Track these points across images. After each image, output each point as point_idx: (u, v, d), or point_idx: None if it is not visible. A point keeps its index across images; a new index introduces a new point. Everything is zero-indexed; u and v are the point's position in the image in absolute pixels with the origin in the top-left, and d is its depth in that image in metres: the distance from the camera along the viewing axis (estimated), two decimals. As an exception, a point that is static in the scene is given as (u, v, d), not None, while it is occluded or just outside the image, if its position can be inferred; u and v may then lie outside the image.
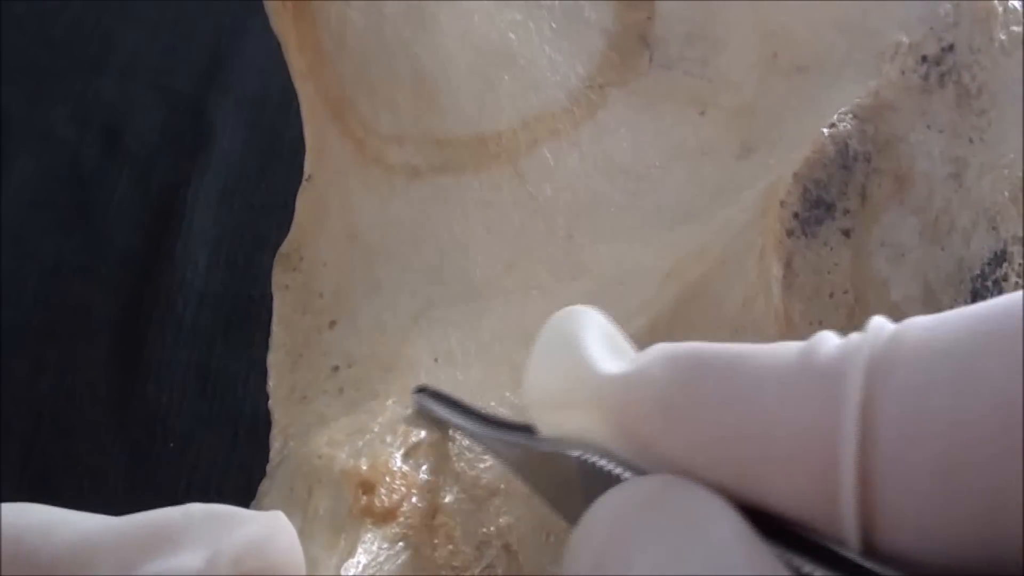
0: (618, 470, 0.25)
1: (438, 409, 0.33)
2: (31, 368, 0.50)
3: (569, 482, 0.26)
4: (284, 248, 0.39)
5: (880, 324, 0.23)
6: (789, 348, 0.24)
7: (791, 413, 0.22)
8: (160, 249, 0.53)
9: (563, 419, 0.27)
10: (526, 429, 0.29)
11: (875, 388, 0.22)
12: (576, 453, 0.25)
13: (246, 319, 0.48)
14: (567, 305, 0.35)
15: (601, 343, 0.27)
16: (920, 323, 0.23)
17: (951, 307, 0.34)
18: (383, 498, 0.31)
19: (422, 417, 0.34)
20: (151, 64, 0.57)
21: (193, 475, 0.47)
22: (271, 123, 0.55)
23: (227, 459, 0.47)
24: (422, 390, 0.34)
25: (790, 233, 0.33)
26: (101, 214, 0.53)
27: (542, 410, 0.28)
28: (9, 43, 0.56)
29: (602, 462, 0.25)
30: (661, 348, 0.25)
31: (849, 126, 0.34)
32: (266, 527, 0.26)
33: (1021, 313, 0.22)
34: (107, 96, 0.56)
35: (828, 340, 0.23)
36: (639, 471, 0.25)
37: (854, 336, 0.23)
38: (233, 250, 0.53)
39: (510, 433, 0.29)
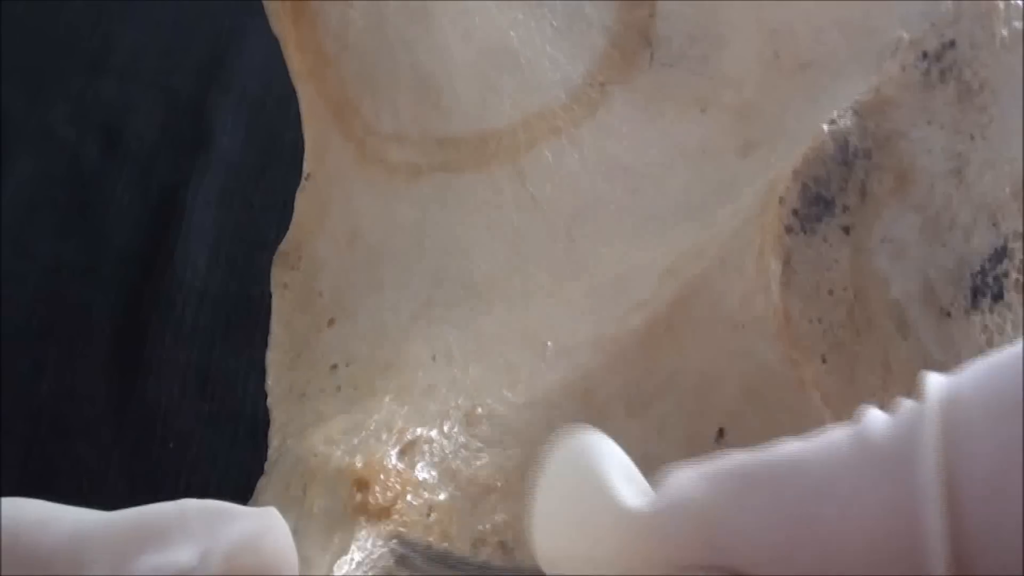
0: None
1: (421, 564, 0.30)
2: (31, 368, 0.50)
3: None
4: (283, 247, 0.39)
5: (934, 388, 0.22)
6: (837, 438, 0.23)
7: (865, 504, 0.22)
8: (160, 249, 0.53)
9: (588, 567, 0.25)
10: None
11: (954, 459, 0.21)
12: None
13: (246, 319, 0.48)
14: (566, 305, 0.36)
15: (622, 478, 0.25)
16: (972, 377, 0.22)
17: (951, 304, 0.34)
18: (378, 496, 0.30)
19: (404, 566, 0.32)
20: (151, 64, 0.57)
21: (193, 475, 0.47)
22: (271, 123, 0.55)
23: (227, 459, 0.47)
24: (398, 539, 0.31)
25: (789, 230, 0.33)
26: (101, 214, 0.53)
27: (562, 563, 0.25)
28: (9, 43, 0.56)
29: None
30: (689, 472, 0.24)
31: (849, 123, 0.34)
32: (259, 523, 0.26)
33: None
34: (107, 96, 0.56)
35: (877, 419, 0.22)
36: None
37: (906, 406, 0.22)
38: (233, 250, 0.53)
39: None
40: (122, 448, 0.48)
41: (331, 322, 0.38)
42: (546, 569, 0.25)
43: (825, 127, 0.34)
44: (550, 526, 0.26)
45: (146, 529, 0.26)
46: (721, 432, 0.34)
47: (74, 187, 0.54)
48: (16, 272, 0.51)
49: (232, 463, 0.47)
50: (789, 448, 0.23)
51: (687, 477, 0.24)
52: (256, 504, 0.33)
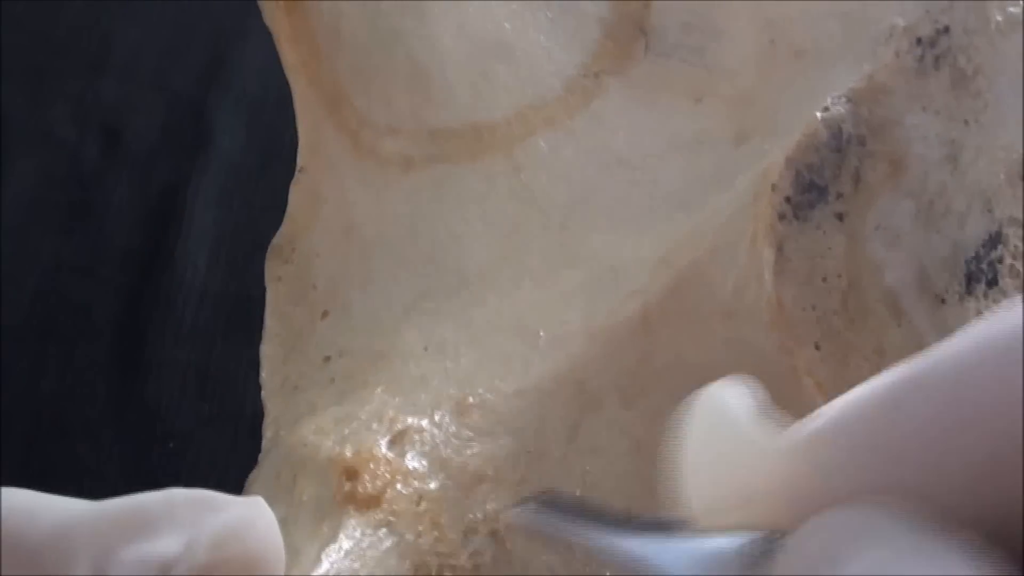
0: None
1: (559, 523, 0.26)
2: (31, 368, 0.50)
3: None
4: (277, 240, 0.39)
5: None
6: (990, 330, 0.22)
7: None
8: (160, 249, 0.53)
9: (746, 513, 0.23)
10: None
11: None
12: None
13: (246, 319, 0.48)
14: (559, 295, 0.35)
15: (759, 417, 0.24)
16: None
17: (945, 290, 0.34)
18: (367, 484, 0.30)
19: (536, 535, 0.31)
20: (151, 64, 0.57)
21: (193, 475, 0.47)
22: (271, 123, 0.55)
23: (227, 459, 0.47)
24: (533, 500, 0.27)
25: (782, 217, 0.33)
26: (101, 214, 0.53)
27: (720, 514, 0.24)
28: (9, 43, 0.56)
29: None
30: (833, 403, 0.22)
31: (843, 110, 0.34)
32: (245, 512, 0.26)
33: None
34: (107, 96, 0.56)
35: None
36: None
37: None
38: (233, 250, 0.53)
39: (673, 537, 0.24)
40: (122, 448, 0.48)
41: (325, 314, 0.38)
42: (705, 523, 0.24)
43: (818, 114, 0.34)
44: (702, 478, 0.25)
45: (133, 518, 0.26)
46: (715, 421, 0.34)
47: (74, 187, 0.54)
48: (16, 272, 0.51)
49: (232, 463, 0.47)
50: (938, 352, 0.22)
51: (832, 407, 0.23)
52: (247, 495, 0.33)
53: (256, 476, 0.34)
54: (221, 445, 0.48)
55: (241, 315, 0.49)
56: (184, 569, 0.25)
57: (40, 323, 0.51)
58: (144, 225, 0.54)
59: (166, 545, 0.26)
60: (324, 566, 0.29)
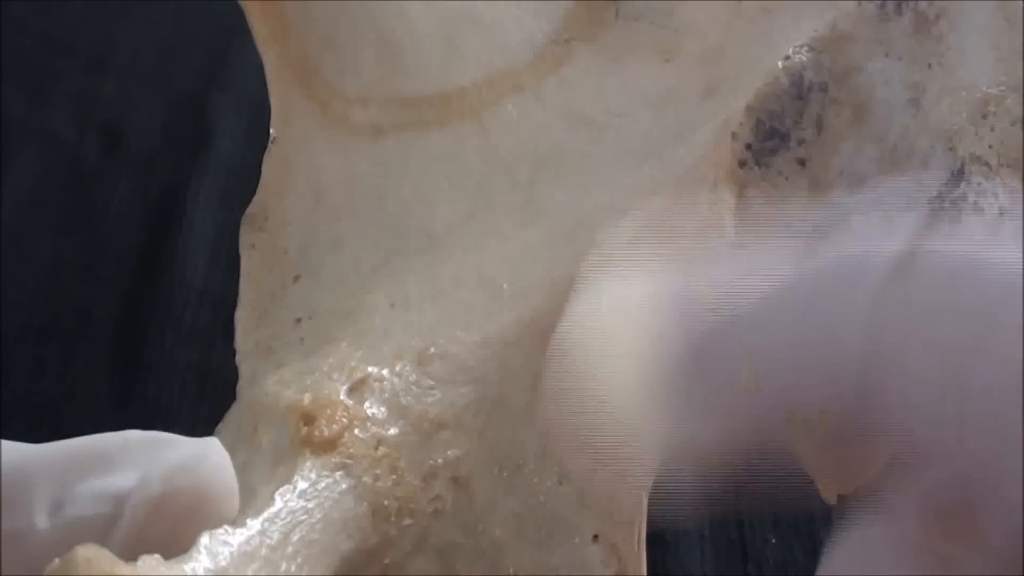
0: None
1: None
2: (31, 368, 0.50)
3: None
4: (251, 209, 0.40)
5: None
6: None
7: None
8: (160, 249, 0.53)
9: None
10: None
11: None
12: None
13: (246, 319, 0.48)
14: (524, 249, 0.36)
15: None
16: None
17: (909, 231, 0.34)
18: (323, 429, 0.31)
19: None
20: (151, 64, 0.58)
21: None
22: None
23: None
24: None
25: (743, 164, 0.33)
26: (101, 214, 0.54)
27: None
28: (9, 43, 0.57)
29: None
30: None
31: (804, 58, 0.35)
32: (198, 449, 0.27)
33: None
34: (107, 96, 0.57)
35: None
36: None
37: None
38: (233, 250, 0.52)
39: None
40: (122, 448, 0.48)
41: (296, 278, 0.38)
42: None
43: (780, 63, 0.34)
44: None
45: (89, 456, 0.27)
46: (682, 368, 0.34)
47: (74, 187, 0.54)
48: (16, 272, 0.52)
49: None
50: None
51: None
52: (211, 444, 0.33)
53: (220, 428, 0.34)
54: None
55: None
56: (137, 500, 0.26)
57: (40, 323, 0.51)
58: (144, 225, 0.54)
59: (121, 480, 0.26)
60: (278, 504, 0.29)
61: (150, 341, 0.51)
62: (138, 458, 0.27)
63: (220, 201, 0.55)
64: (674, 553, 0.47)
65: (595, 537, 0.33)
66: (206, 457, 0.27)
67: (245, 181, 0.55)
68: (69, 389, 0.49)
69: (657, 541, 0.44)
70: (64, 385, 0.49)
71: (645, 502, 0.35)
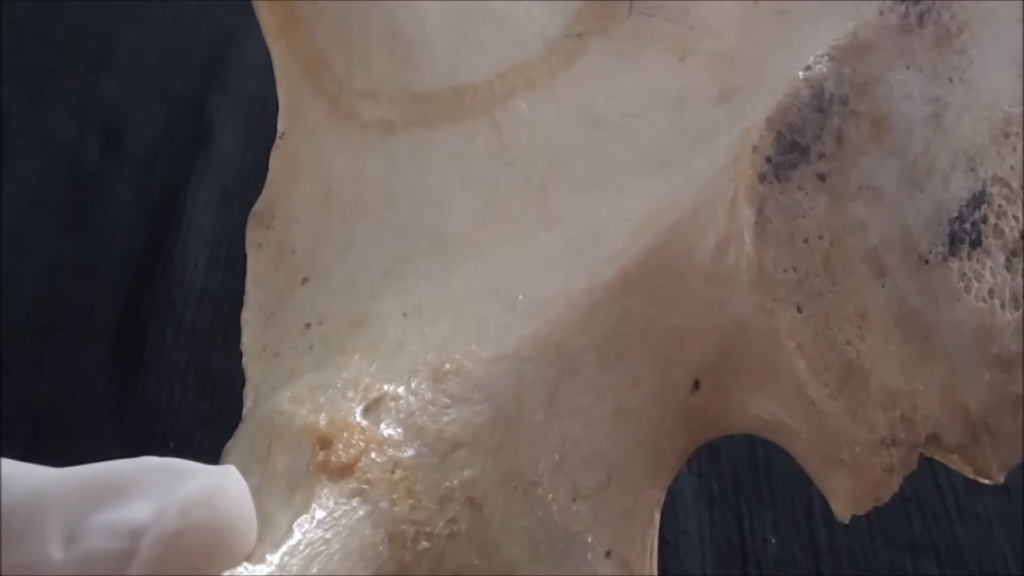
0: None
1: None
2: (31, 368, 0.50)
3: None
4: (257, 206, 0.39)
5: None
6: None
7: None
8: (160, 249, 0.53)
9: None
10: None
11: None
12: None
13: (246, 319, 0.48)
14: (538, 258, 0.35)
15: None
16: None
17: (929, 251, 0.34)
18: (340, 453, 0.30)
19: None
20: (151, 64, 0.57)
21: (192, 475, 0.47)
22: (271, 123, 0.55)
23: (227, 459, 0.47)
24: None
25: (763, 178, 0.32)
26: (101, 214, 0.54)
27: None
28: (9, 43, 0.57)
29: None
30: None
31: (825, 68, 0.34)
32: (215, 480, 0.27)
33: None
34: (107, 96, 0.56)
35: None
36: None
37: None
38: (233, 250, 0.53)
39: None
40: (122, 448, 0.48)
41: (304, 280, 0.37)
42: None
43: (800, 74, 0.34)
44: None
45: (104, 484, 0.26)
46: (696, 384, 0.34)
47: (74, 187, 0.54)
48: (16, 272, 0.51)
49: (231, 462, 0.47)
50: None
51: None
52: (222, 464, 0.33)
53: (232, 445, 0.33)
54: (221, 445, 0.47)
55: (241, 315, 0.49)
56: (153, 537, 0.25)
57: (40, 323, 0.51)
58: (144, 225, 0.54)
59: (136, 512, 0.26)
60: (296, 536, 0.28)
61: (150, 341, 0.51)
62: (154, 488, 0.26)
63: (220, 201, 0.54)
64: (674, 553, 0.47)
65: (608, 553, 0.33)
66: (224, 490, 0.27)
67: (245, 181, 0.55)
68: (69, 389, 0.49)
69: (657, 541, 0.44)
70: (64, 385, 0.49)
71: (657, 517, 0.34)
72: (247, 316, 0.37)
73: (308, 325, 0.36)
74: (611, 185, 0.36)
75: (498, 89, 0.38)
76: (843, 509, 0.33)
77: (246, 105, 0.56)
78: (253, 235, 0.38)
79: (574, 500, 0.32)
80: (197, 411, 0.50)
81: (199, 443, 0.48)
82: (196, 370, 0.50)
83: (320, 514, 0.29)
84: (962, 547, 0.49)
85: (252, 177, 0.54)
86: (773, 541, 0.48)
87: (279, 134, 0.39)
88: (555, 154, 0.37)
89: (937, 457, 0.34)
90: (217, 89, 0.57)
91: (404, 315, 0.35)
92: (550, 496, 0.32)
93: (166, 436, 0.49)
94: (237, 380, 0.48)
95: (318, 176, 0.39)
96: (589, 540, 0.32)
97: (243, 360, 0.37)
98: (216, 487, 0.26)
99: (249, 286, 0.38)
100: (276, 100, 0.55)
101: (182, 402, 0.50)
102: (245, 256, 0.50)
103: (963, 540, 0.49)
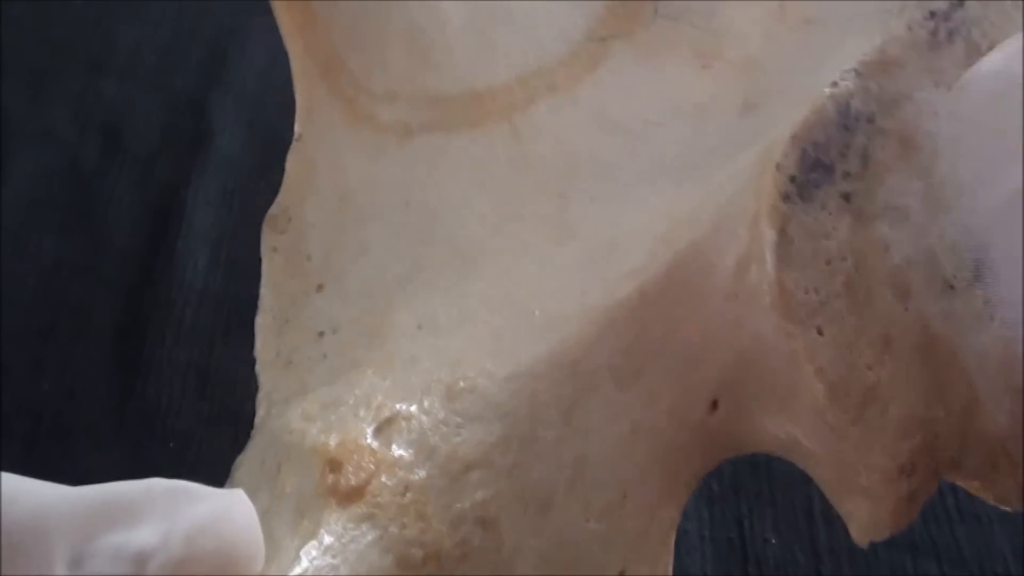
0: None
1: None
2: (31, 368, 0.49)
3: None
4: (273, 210, 0.38)
5: None
6: None
7: None
8: (160, 249, 0.53)
9: None
10: None
11: None
12: None
13: (246, 319, 0.48)
14: (556, 272, 0.35)
15: None
16: None
17: (954, 276, 0.33)
18: (350, 476, 0.30)
19: None
20: (151, 64, 0.57)
21: (193, 475, 0.47)
22: (271, 123, 0.55)
23: (227, 459, 0.47)
24: None
25: (786, 197, 0.32)
26: (101, 214, 0.53)
27: None
28: (9, 43, 0.56)
29: None
30: None
31: (852, 84, 0.33)
32: (223, 505, 0.26)
33: None
34: (107, 96, 0.56)
35: None
36: None
37: None
38: (233, 250, 0.53)
39: None
40: (122, 448, 0.48)
41: (320, 287, 0.37)
42: None
43: (827, 90, 0.33)
44: None
45: (111, 507, 0.26)
46: (714, 404, 0.33)
47: (74, 187, 0.54)
48: (16, 272, 0.51)
49: (232, 463, 0.47)
50: None
51: None
52: (234, 478, 0.33)
53: (242, 460, 0.33)
54: (221, 445, 0.47)
55: (241, 315, 0.49)
56: (159, 563, 0.25)
57: (40, 323, 0.51)
58: (144, 225, 0.54)
59: (143, 536, 0.26)
60: (303, 563, 0.28)
61: (150, 341, 0.51)
62: (161, 511, 0.26)
63: (220, 201, 0.54)
64: (674, 553, 0.47)
65: (621, 574, 0.32)
66: (231, 517, 0.26)
67: (245, 181, 0.54)
68: (69, 389, 0.49)
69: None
70: (64, 385, 0.49)
71: (672, 539, 0.34)
72: (261, 321, 0.37)
73: (322, 334, 0.36)
74: (631, 196, 0.35)
75: (519, 93, 0.38)
76: (861, 535, 0.32)
77: (246, 105, 0.56)
78: (268, 239, 0.38)
79: (588, 519, 0.32)
80: (197, 411, 0.49)
81: (199, 443, 0.48)
82: (196, 370, 0.50)
83: (328, 540, 0.29)
84: (962, 547, 0.49)
85: (252, 177, 0.54)
86: (773, 541, 0.48)
87: (296, 136, 0.39)
88: (575, 162, 0.37)
89: (958, 482, 0.34)
90: (217, 89, 0.56)
91: (419, 327, 0.34)
92: (563, 516, 0.32)
93: (166, 436, 0.48)
94: (237, 380, 0.48)
95: (334, 180, 0.38)
96: (603, 560, 0.32)
97: (256, 366, 0.36)
98: (224, 513, 0.26)
99: (264, 290, 0.37)
100: (276, 100, 0.55)
101: (182, 402, 0.49)
102: (245, 256, 0.50)
103: (963, 540, 0.49)
